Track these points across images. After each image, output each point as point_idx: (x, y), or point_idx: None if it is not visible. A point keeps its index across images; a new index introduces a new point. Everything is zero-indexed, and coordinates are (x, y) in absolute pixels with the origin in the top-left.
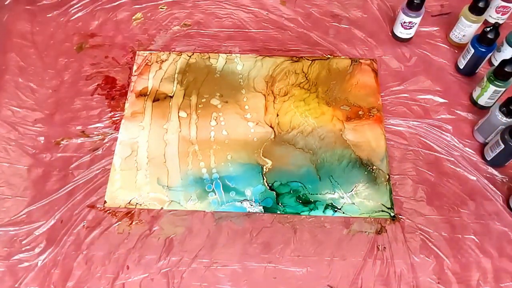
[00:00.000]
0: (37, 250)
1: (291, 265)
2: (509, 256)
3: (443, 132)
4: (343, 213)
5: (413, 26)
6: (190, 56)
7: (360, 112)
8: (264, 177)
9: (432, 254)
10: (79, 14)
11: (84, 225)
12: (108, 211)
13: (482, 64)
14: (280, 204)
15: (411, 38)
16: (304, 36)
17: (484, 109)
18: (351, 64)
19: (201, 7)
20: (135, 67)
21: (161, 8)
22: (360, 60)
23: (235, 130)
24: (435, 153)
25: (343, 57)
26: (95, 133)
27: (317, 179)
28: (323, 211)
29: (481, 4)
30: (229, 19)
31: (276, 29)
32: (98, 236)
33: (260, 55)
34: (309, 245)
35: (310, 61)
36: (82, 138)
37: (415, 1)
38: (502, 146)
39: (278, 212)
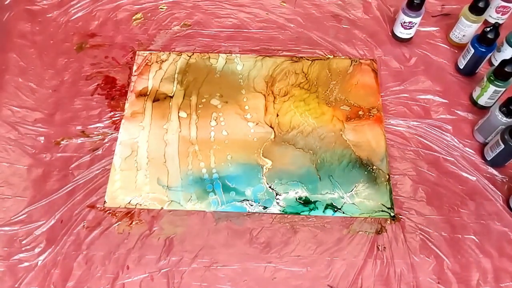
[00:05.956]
0: (37, 250)
1: (291, 265)
2: (509, 256)
3: (443, 132)
4: (343, 213)
5: (413, 26)
6: (190, 56)
7: (360, 112)
8: (264, 177)
9: (432, 254)
10: (79, 14)
11: (84, 225)
12: (108, 211)
13: (482, 64)
14: (280, 204)
15: (411, 38)
16: (304, 36)
17: (484, 109)
18: (351, 64)
19: (201, 7)
20: (135, 67)
21: (161, 8)
22: (360, 60)
23: (235, 130)
24: (435, 153)
25: (343, 57)
26: (95, 133)
27: (317, 179)
28: (323, 211)
29: (481, 4)
30: (229, 19)
31: (276, 29)
32: (98, 236)
33: (260, 55)
34: (309, 245)
35: (310, 61)
36: (82, 138)
37: (415, 1)
38: (502, 146)
39: (278, 212)
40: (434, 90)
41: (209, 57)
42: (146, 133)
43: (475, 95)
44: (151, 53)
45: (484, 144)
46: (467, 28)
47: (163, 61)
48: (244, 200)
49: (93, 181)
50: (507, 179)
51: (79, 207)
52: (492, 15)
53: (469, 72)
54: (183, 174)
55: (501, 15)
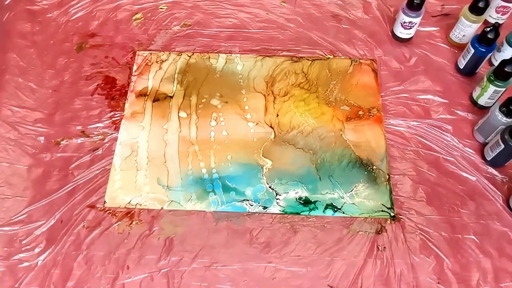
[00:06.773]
0: (37, 250)
1: (291, 265)
2: (509, 256)
3: (443, 132)
4: (343, 213)
5: (413, 26)
6: (190, 56)
7: (360, 112)
8: (264, 177)
9: (432, 254)
10: (79, 14)
11: (84, 225)
12: (108, 211)
13: (482, 64)
14: (280, 204)
15: (411, 38)
16: (304, 36)
17: (484, 109)
18: (351, 64)
19: (201, 7)
20: (135, 67)
21: (161, 8)
22: (360, 60)
23: (235, 130)
24: (435, 153)
25: (343, 57)
26: (95, 133)
27: (317, 179)
28: (323, 211)
29: (481, 4)
30: (229, 19)
31: (276, 29)
32: (98, 236)
33: (260, 55)
34: (309, 245)
35: (310, 61)
36: (82, 138)
37: (415, 1)
38: (502, 146)
39: (278, 212)
40: (434, 90)
41: (209, 57)
42: (146, 133)
43: (475, 95)
44: (151, 53)
45: (484, 144)
46: (467, 28)
47: (163, 61)
48: (244, 200)
49: (93, 181)
50: (507, 179)
51: (79, 207)
52: (492, 15)
53: (469, 72)
54: (183, 174)
55: (501, 15)
